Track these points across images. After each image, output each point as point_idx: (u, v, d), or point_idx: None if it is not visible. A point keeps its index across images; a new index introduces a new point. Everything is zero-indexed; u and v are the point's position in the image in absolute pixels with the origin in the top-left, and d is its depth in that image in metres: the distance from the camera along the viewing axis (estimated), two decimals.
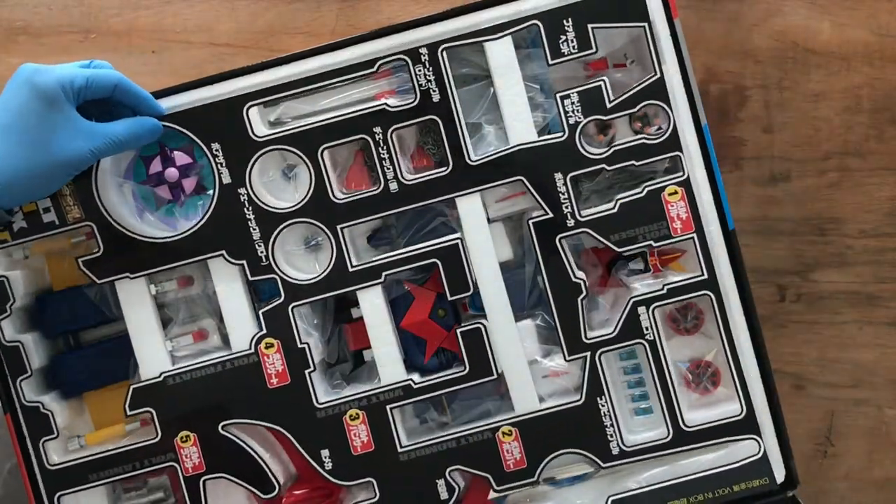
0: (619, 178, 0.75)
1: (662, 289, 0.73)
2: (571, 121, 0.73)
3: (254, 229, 0.74)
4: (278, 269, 0.74)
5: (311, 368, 0.74)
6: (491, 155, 0.73)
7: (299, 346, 0.74)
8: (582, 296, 0.73)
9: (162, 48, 0.86)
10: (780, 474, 0.74)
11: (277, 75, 0.73)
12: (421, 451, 0.74)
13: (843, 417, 0.87)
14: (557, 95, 0.72)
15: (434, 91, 0.73)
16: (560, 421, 0.74)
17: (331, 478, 0.74)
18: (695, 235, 0.73)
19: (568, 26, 0.72)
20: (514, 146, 0.72)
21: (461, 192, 0.73)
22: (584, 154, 0.73)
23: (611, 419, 0.74)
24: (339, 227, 0.73)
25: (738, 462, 0.73)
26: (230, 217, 0.73)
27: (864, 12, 0.84)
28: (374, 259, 0.74)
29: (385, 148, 0.73)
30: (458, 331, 0.74)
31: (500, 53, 0.72)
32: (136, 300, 0.74)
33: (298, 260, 0.75)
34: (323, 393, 0.75)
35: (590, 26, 0.72)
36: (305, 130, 0.73)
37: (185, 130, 0.73)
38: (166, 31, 0.86)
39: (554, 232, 0.73)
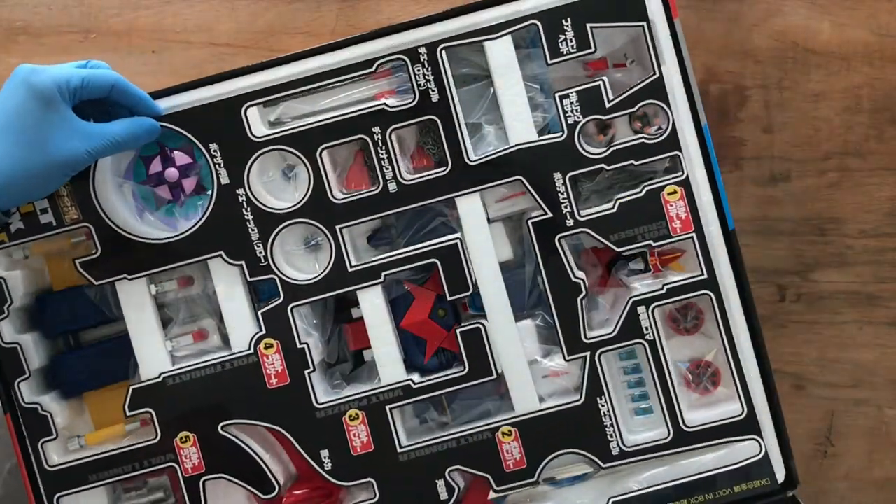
0: (619, 178, 0.74)
1: (662, 289, 0.73)
2: (571, 120, 0.73)
3: (252, 230, 0.73)
4: (277, 269, 0.74)
5: (311, 369, 0.74)
6: (490, 155, 0.73)
7: (299, 346, 0.74)
8: (582, 296, 0.73)
9: (162, 48, 0.85)
10: (780, 474, 0.74)
11: (277, 75, 0.73)
12: (421, 451, 0.74)
13: (843, 417, 0.87)
14: (557, 95, 0.72)
15: (433, 91, 0.73)
16: (560, 421, 0.74)
17: (330, 478, 0.74)
18: (694, 235, 0.73)
19: (567, 26, 0.72)
20: (514, 146, 0.72)
21: (461, 192, 0.73)
22: (584, 154, 0.73)
23: (611, 419, 0.73)
24: (338, 227, 0.73)
25: (738, 462, 0.73)
26: (228, 217, 0.73)
27: (864, 12, 0.84)
28: (373, 259, 0.74)
29: (384, 148, 0.73)
30: (458, 331, 0.74)
31: (501, 53, 0.72)
32: (136, 300, 0.74)
33: (298, 260, 0.75)
34: (323, 393, 0.75)
35: (589, 26, 0.72)
36: (305, 130, 0.73)
37: (182, 131, 0.73)
38: (166, 31, 0.86)
39: (553, 232, 0.73)
